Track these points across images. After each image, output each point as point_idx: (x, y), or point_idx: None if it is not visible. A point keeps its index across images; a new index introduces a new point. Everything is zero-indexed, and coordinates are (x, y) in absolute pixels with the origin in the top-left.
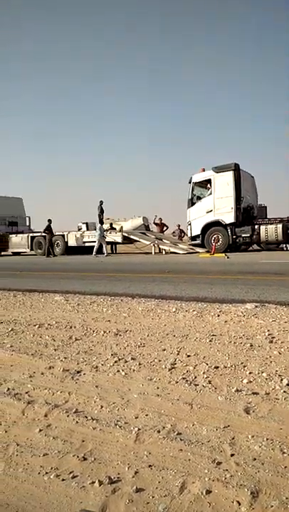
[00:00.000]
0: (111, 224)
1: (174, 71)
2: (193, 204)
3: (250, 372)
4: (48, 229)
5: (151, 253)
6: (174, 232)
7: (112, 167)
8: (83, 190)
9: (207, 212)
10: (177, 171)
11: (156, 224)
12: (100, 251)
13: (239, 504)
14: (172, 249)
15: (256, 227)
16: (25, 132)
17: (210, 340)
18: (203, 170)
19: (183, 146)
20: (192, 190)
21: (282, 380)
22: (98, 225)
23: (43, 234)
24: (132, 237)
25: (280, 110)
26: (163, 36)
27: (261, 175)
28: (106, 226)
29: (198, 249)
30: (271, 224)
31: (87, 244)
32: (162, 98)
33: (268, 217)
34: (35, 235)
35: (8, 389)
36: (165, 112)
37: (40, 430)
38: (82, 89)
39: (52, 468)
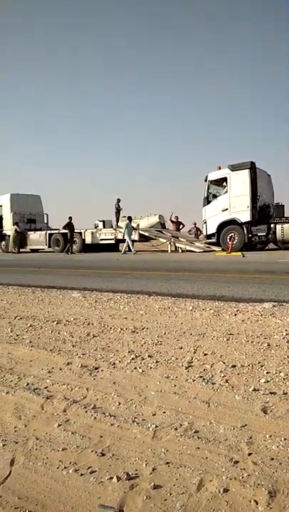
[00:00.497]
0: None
1: (188, 69)
2: (208, 202)
3: (267, 372)
4: (69, 226)
5: (167, 251)
6: (190, 231)
7: (129, 164)
8: (98, 187)
9: (223, 211)
10: (192, 169)
11: (172, 222)
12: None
13: (257, 503)
14: (188, 248)
15: (272, 226)
16: (25, 124)
17: (227, 339)
18: (219, 168)
19: (200, 144)
20: (208, 188)
21: None
22: (126, 222)
23: (61, 231)
24: (148, 235)
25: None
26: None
27: (280, 173)
28: (123, 224)
29: (214, 248)
30: (288, 223)
31: (103, 241)
32: (179, 94)
33: (285, 215)
34: (53, 232)
35: (28, 384)
36: (182, 108)
37: (59, 425)
38: (97, 84)
39: (71, 463)
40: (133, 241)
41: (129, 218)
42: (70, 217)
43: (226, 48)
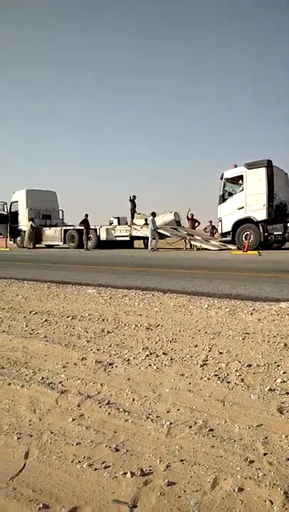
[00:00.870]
0: (146, 219)
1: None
2: (224, 200)
3: (284, 372)
4: (85, 222)
5: (182, 249)
6: (205, 229)
7: (146, 160)
8: (112, 183)
9: (238, 209)
10: (209, 168)
11: (188, 219)
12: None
13: (272, 503)
14: (204, 245)
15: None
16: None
17: (243, 338)
18: (235, 166)
19: (216, 143)
20: (224, 186)
21: None
22: (150, 218)
23: (77, 228)
24: (163, 232)
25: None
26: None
27: None
28: (141, 221)
29: (230, 246)
30: None
31: (118, 238)
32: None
33: None
34: (68, 228)
35: (43, 378)
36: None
37: (74, 420)
38: (105, 81)
39: (85, 457)
40: (147, 238)
41: (153, 214)
42: (86, 215)
43: (225, 48)
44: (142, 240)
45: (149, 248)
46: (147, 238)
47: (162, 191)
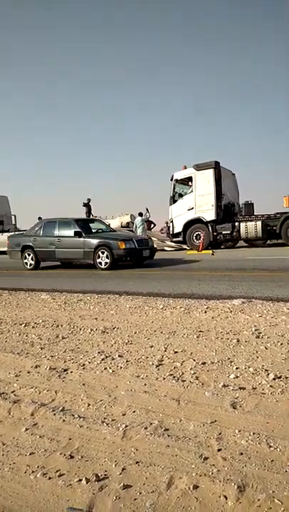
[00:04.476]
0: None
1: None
2: (175, 201)
3: (237, 368)
4: None
5: None
6: (161, 230)
7: (99, 161)
8: (66, 185)
9: (188, 210)
10: (163, 168)
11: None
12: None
13: (226, 498)
14: (160, 247)
15: (236, 224)
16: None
17: (197, 337)
18: (185, 167)
19: (171, 143)
20: (174, 187)
21: (268, 374)
22: (138, 218)
23: None
24: None
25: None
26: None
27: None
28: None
29: (185, 246)
30: (251, 221)
31: None
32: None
33: (254, 213)
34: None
35: None
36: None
37: (27, 429)
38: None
39: (38, 466)
40: None
41: (140, 214)
42: (40, 218)
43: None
44: None
45: None
46: None
47: (116, 194)
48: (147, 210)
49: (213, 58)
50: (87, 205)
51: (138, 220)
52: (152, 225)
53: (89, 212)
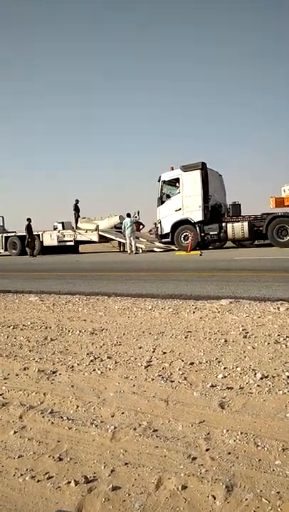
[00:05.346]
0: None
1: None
2: (162, 202)
3: (224, 368)
4: (28, 228)
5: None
6: (150, 231)
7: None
8: (55, 187)
9: (176, 211)
10: (153, 170)
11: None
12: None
13: (214, 498)
14: (149, 248)
15: (223, 224)
16: None
17: (185, 337)
18: (172, 168)
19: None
20: (161, 188)
21: (255, 374)
22: (126, 219)
23: (18, 234)
24: (108, 235)
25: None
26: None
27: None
28: (86, 226)
29: (174, 247)
30: (238, 222)
31: (62, 243)
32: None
33: (242, 214)
34: (9, 235)
35: None
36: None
37: (15, 432)
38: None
39: (27, 469)
40: (91, 242)
41: (128, 215)
42: (29, 219)
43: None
44: (86, 244)
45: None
46: (90, 242)
47: (105, 194)
48: (138, 213)
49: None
50: (74, 205)
51: (127, 221)
52: (141, 226)
53: (77, 213)
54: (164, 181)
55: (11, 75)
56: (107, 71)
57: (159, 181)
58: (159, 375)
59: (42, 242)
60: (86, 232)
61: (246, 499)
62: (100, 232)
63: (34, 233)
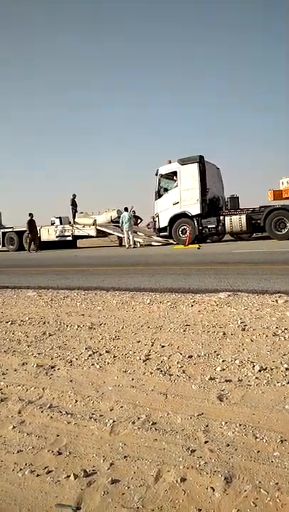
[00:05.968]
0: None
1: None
2: (160, 196)
3: (223, 360)
4: (29, 223)
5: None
6: (148, 225)
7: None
8: (52, 182)
9: (174, 204)
10: (149, 163)
11: None
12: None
13: (213, 490)
14: (147, 242)
15: (221, 218)
16: None
17: (184, 330)
18: (170, 162)
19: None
20: (159, 182)
21: (254, 366)
22: (124, 213)
23: (16, 229)
24: (105, 230)
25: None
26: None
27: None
28: (83, 220)
29: (171, 241)
30: (235, 215)
31: (60, 239)
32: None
33: (240, 207)
34: (6, 230)
35: None
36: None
37: (14, 427)
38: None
39: (26, 464)
40: (89, 237)
41: (126, 209)
42: (31, 214)
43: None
44: (84, 239)
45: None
46: (88, 237)
47: (103, 188)
48: (133, 211)
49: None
50: (73, 200)
51: (125, 215)
52: (139, 221)
53: (75, 207)
54: (162, 175)
55: (11, 75)
56: (107, 71)
57: (156, 175)
58: (158, 369)
59: (40, 237)
60: (84, 226)
61: (245, 490)
62: (98, 227)
63: (26, 229)
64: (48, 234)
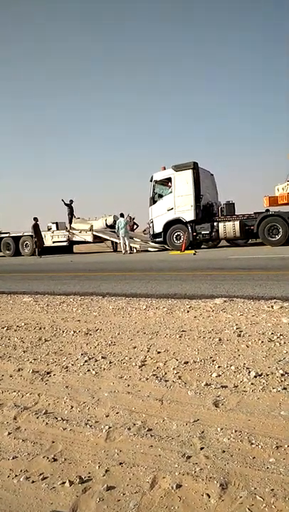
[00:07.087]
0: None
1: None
2: (154, 202)
3: (219, 366)
4: (34, 228)
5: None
6: (144, 230)
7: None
8: (50, 188)
9: (168, 210)
10: (146, 170)
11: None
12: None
13: (209, 497)
14: (143, 247)
15: (215, 224)
16: None
17: (180, 336)
18: (164, 168)
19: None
20: (153, 188)
21: (249, 372)
22: (120, 219)
23: (12, 235)
24: (102, 235)
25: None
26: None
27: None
28: (80, 226)
29: (167, 247)
30: (229, 221)
31: (56, 244)
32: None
33: (236, 213)
34: (2, 236)
35: None
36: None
37: (9, 433)
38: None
39: (21, 470)
40: (85, 242)
41: (122, 215)
42: (36, 218)
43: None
44: (81, 245)
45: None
46: (84, 242)
47: (100, 194)
48: (130, 217)
49: None
50: (69, 205)
51: (121, 220)
52: (135, 226)
53: (71, 213)
54: (156, 181)
55: (11, 75)
56: (107, 71)
57: (151, 181)
58: (154, 375)
59: (35, 242)
60: (80, 232)
61: (240, 497)
62: (94, 233)
63: (26, 234)
64: (44, 239)
